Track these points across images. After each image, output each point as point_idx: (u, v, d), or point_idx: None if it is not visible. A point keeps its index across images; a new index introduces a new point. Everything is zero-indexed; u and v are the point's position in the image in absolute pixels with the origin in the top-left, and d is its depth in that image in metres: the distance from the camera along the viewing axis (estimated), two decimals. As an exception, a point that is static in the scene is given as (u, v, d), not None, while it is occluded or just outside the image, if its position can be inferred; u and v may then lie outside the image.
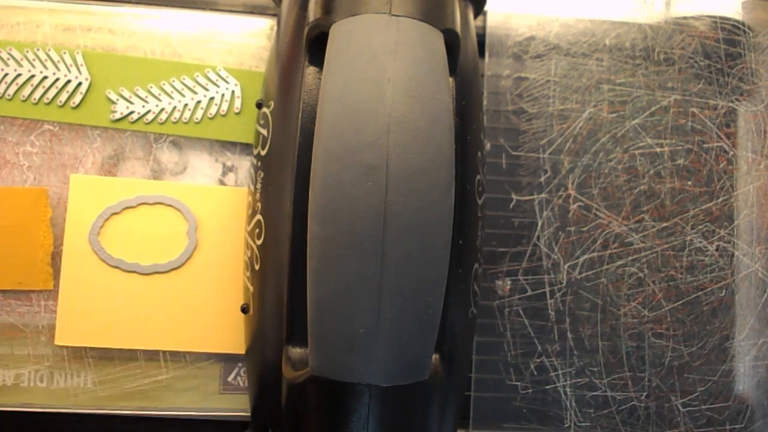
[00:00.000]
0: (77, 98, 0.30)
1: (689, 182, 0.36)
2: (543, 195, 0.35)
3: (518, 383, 0.34)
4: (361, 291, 0.21)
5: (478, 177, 0.27)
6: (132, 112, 0.31)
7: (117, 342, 0.30)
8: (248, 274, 0.27)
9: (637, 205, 0.35)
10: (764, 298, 0.37)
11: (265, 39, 0.32)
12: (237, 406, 0.31)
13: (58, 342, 0.30)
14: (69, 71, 0.30)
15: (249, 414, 0.28)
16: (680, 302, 0.35)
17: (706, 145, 0.36)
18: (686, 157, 0.36)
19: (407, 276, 0.21)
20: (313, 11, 0.24)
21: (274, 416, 0.25)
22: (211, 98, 0.31)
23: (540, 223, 0.35)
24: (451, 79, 0.24)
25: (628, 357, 0.35)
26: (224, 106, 0.31)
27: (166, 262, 0.31)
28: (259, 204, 0.26)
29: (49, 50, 0.30)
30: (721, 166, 0.36)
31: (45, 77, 0.30)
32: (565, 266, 0.35)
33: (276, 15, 0.31)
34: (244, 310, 0.28)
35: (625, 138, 0.35)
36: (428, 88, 0.22)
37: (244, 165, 0.32)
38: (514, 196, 0.35)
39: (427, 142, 0.22)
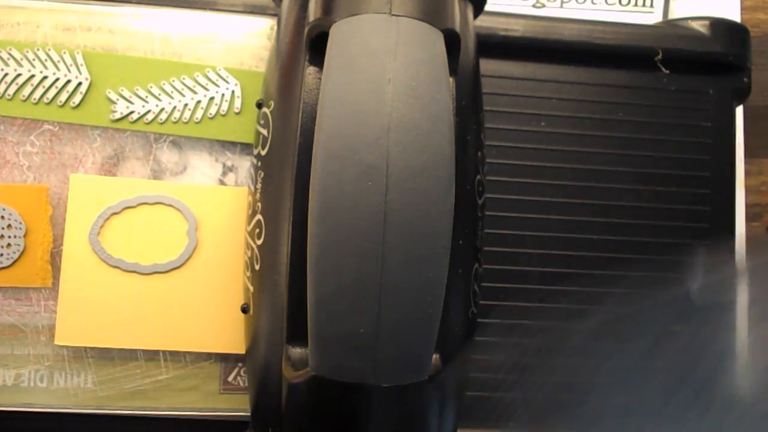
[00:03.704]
0: (77, 98, 0.30)
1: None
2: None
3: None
4: (361, 291, 0.21)
5: (478, 177, 0.27)
6: (132, 112, 0.31)
7: (117, 342, 0.30)
8: (248, 274, 0.27)
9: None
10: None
11: (265, 39, 0.32)
12: (237, 406, 0.31)
13: (57, 342, 0.30)
14: (69, 71, 0.30)
15: (249, 414, 0.28)
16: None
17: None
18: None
19: (407, 276, 0.21)
20: (313, 11, 0.24)
21: (274, 416, 0.25)
22: (211, 98, 0.31)
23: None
24: (451, 79, 0.24)
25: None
26: (224, 106, 0.31)
27: (166, 262, 0.30)
28: (259, 204, 0.26)
29: (49, 50, 0.30)
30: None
31: (45, 77, 0.30)
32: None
33: (276, 15, 0.31)
34: (244, 310, 0.28)
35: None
36: (428, 88, 0.22)
37: (244, 165, 0.32)
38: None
39: (427, 142, 0.22)
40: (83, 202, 0.30)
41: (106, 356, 0.30)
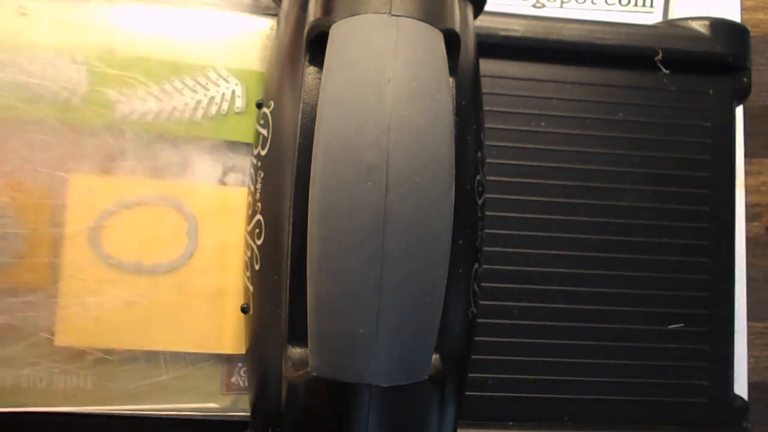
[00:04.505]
0: (77, 98, 0.30)
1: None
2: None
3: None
4: (361, 291, 0.21)
5: (478, 177, 0.27)
6: (132, 112, 0.31)
7: (117, 342, 0.30)
8: (248, 274, 0.27)
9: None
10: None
11: (265, 39, 0.32)
12: (237, 406, 0.31)
13: (57, 342, 0.30)
14: (68, 71, 0.30)
15: (249, 414, 0.28)
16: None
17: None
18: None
19: (407, 276, 0.21)
20: (313, 11, 0.24)
21: (274, 416, 0.25)
22: (212, 98, 0.31)
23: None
24: (451, 79, 0.24)
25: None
26: (224, 106, 0.31)
27: (166, 262, 0.30)
28: (259, 204, 0.26)
29: (49, 50, 0.30)
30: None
31: (44, 77, 0.30)
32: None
33: (276, 15, 0.31)
34: (244, 310, 0.28)
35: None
36: (428, 88, 0.22)
37: (244, 165, 0.32)
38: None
39: (427, 142, 0.22)
40: (83, 202, 0.30)
41: (106, 356, 0.30)
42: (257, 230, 0.26)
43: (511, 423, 0.34)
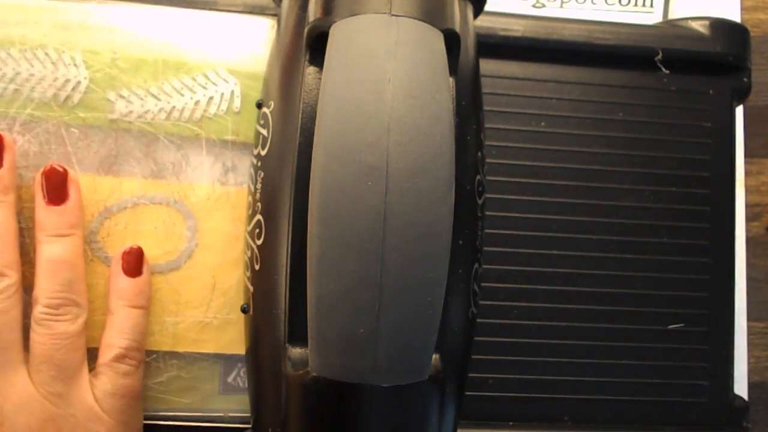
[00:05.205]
0: (76, 98, 0.30)
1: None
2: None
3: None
4: (361, 291, 0.21)
5: (478, 177, 0.27)
6: (131, 112, 0.31)
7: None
8: (248, 274, 0.27)
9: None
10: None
11: (265, 39, 0.32)
12: (237, 406, 0.31)
13: (57, 342, 0.30)
14: (68, 71, 0.30)
15: (249, 415, 0.28)
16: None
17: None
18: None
19: (407, 276, 0.21)
20: (313, 11, 0.24)
21: (274, 416, 0.25)
22: (211, 98, 0.31)
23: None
24: (451, 79, 0.24)
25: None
26: (224, 106, 0.31)
27: (166, 262, 0.30)
28: (259, 204, 0.26)
29: (48, 49, 0.30)
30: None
31: (44, 77, 0.30)
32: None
33: (276, 15, 0.31)
34: (244, 310, 0.28)
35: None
36: (428, 88, 0.22)
37: (244, 165, 0.31)
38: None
39: (427, 142, 0.22)
40: (83, 203, 0.30)
41: (105, 356, 0.30)
42: (257, 230, 0.26)
43: (511, 423, 0.34)
